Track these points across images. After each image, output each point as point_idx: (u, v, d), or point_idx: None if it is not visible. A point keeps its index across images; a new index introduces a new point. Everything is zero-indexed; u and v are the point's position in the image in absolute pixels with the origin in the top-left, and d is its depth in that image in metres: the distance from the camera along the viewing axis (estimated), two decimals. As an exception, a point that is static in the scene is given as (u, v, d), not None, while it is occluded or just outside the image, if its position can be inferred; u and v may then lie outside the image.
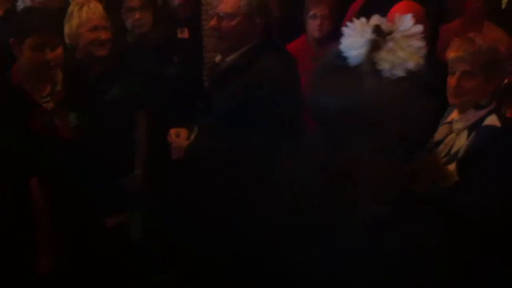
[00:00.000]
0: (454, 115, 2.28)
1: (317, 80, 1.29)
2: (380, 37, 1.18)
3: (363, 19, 1.22)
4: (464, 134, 2.21)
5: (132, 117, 3.12)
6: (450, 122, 2.27)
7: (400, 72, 1.17)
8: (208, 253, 2.56)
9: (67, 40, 2.86)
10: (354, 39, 1.19)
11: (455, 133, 2.24)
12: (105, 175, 2.88)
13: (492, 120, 2.20)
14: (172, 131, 2.57)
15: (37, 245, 2.41)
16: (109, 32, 2.90)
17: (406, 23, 1.20)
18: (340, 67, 1.21)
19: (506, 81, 2.66)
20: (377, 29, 1.19)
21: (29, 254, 2.41)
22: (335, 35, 3.38)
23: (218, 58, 2.58)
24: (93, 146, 2.78)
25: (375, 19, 1.22)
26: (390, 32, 1.20)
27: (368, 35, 1.18)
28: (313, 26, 3.38)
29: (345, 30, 1.21)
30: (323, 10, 3.36)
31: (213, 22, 2.39)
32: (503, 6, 4.29)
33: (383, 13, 3.05)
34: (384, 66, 1.17)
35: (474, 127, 2.19)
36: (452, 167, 2.16)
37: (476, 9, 3.75)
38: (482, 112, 2.22)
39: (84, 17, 2.84)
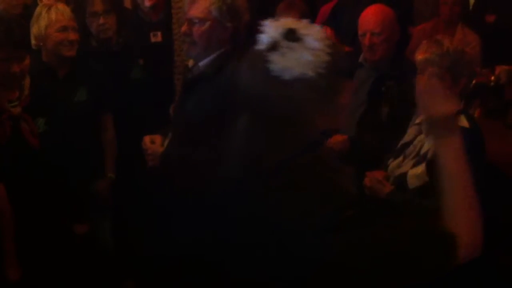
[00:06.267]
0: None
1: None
2: (286, 40, 1.22)
3: (283, 20, 1.25)
4: (433, 135, 2.24)
5: (100, 119, 3.11)
6: (420, 124, 2.31)
7: (287, 77, 1.21)
8: (179, 261, 2.54)
9: (34, 42, 2.86)
10: (265, 35, 1.23)
11: (424, 134, 2.27)
12: (75, 181, 2.87)
13: (461, 121, 2.24)
14: (146, 138, 2.53)
15: (4, 252, 2.38)
16: (77, 33, 2.92)
17: (313, 38, 1.22)
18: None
19: (473, 82, 2.71)
20: (288, 33, 1.22)
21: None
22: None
23: (190, 62, 2.57)
24: (62, 151, 2.77)
25: (291, 22, 1.24)
26: (298, 40, 1.22)
27: (276, 34, 1.22)
28: (284, 32, 3.39)
29: (265, 25, 1.25)
30: (294, 16, 3.35)
31: (184, 28, 2.38)
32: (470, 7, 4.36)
33: (354, 16, 3.13)
34: (274, 66, 1.21)
35: (443, 128, 2.22)
36: (421, 168, 2.19)
37: (451, 13, 3.80)
38: (450, 113, 2.25)
39: (53, 18, 2.85)
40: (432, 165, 2.17)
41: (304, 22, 1.25)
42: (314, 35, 1.21)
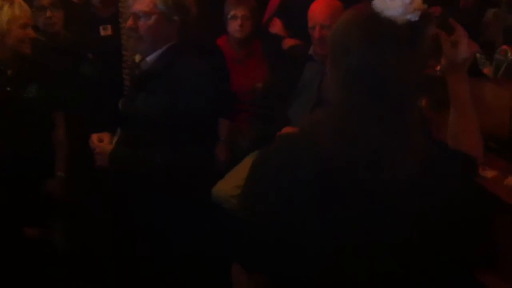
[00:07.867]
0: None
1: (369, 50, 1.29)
2: None
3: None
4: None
5: (50, 117, 3.04)
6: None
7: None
8: (137, 261, 2.51)
9: None
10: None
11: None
12: (25, 180, 2.80)
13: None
14: (94, 136, 2.43)
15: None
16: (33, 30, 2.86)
17: None
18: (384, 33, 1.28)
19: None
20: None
21: None
22: (256, 34, 3.49)
23: (137, 57, 2.52)
24: (10, 151, 2.70)
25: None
26: None
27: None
28: (234, 27, 3.37)
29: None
30: (243, 11, 3.35)
31: (129, 22, 2.33)
32: None
33: (302, 9, 3.13)
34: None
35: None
36: None
37: None
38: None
39: (17, 14, 2.79)
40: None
41: None
42: None
